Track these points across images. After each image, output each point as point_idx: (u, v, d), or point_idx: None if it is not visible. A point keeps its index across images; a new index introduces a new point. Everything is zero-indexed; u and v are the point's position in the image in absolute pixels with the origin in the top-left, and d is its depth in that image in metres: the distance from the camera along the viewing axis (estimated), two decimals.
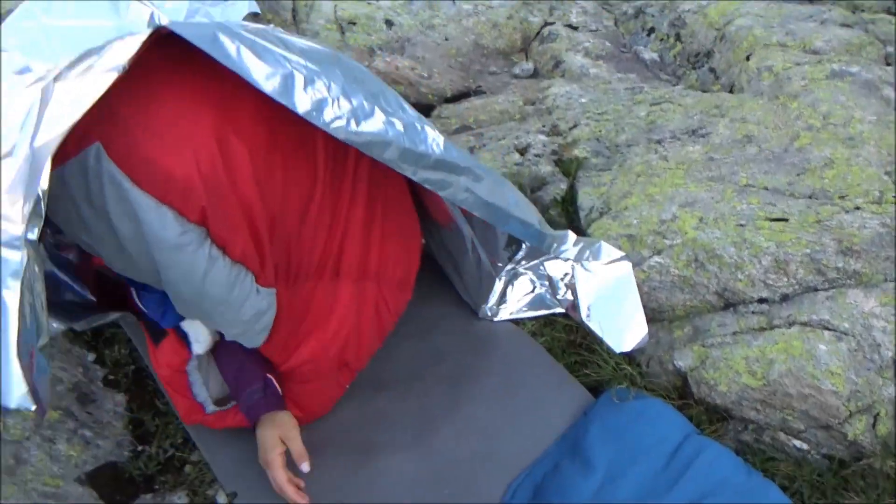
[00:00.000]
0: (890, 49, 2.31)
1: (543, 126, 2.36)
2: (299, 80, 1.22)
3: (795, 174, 1.92)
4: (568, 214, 2.07)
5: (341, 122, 1.26)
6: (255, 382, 1.57)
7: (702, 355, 1.74)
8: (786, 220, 1.82)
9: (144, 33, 1.15)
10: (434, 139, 1.42)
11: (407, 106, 1.46)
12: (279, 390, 1.59)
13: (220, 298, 1.36)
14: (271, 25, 2.34)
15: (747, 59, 2.36)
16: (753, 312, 1.79)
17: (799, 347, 1.66)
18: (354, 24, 2.89)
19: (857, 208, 1.81)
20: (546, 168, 2.17)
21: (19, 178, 1.10)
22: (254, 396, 1.54)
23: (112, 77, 1.09)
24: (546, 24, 2.90)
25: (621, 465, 1.60)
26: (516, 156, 2.23)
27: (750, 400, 1.68)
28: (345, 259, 1.58)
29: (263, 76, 1.18)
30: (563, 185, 2.12)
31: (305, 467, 1.53)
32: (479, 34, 2.91)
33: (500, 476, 1.65)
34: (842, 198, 1.84)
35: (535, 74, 2.80)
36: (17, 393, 1.10)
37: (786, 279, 1.78)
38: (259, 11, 2.70)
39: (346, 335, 1.65)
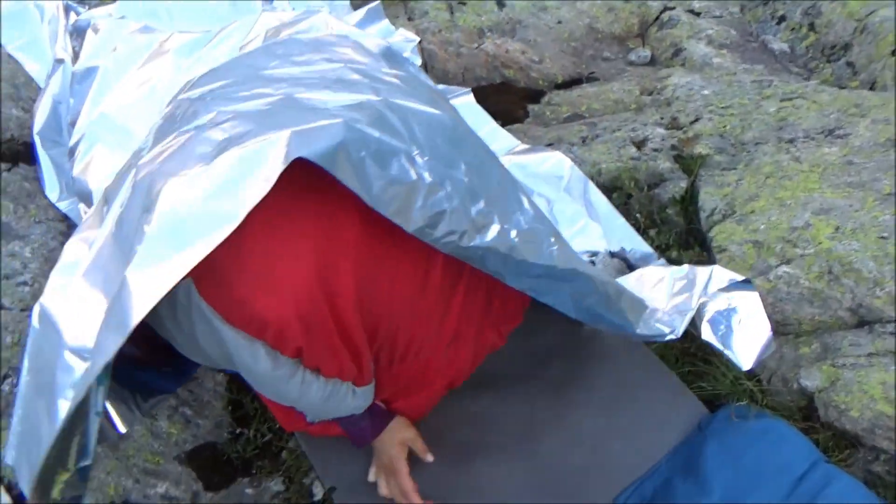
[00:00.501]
0: None
1: (662, 118, 2.24)
2: (421, 192, 1.13)
3: None
4: (687, 215, 1.96)
5: (453, 238, 1.18)
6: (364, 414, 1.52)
7: (832, 376, 1.62)
8: None
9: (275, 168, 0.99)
10: (552, 244, 1.34)
11: (527, 202, 1.37)
12: (383, 407, 1.54)
13: (315, 407, 1.33)
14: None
15: (892, 53, 2.18)
16: (891, 333, 1.65)
17: None
18: (464, 4, 2.81)
19: None
20: (665, 164, 2.06)
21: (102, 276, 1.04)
22: (360, 423, 1.49)
23: (239, 214, 0.96)
24: (666, 8, 2.75)
25: (740, 489, 1.49)
26: (633, 149, 2.11)
27: (884, 428, 1.55)
28: (464, 325, 1.51)
29: (386, 198, 1.09)
30: (683, 184, 2.00)
31: (429, 458, 1.54)
32: (593, 17, 2.79)
33: (606, 489, 1.57)
34: None
35: (652, 62, 2.66)
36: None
37: None
38: None
39: (458, 380, 1.61)
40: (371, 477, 1.57)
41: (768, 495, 1.47)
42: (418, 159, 1.14)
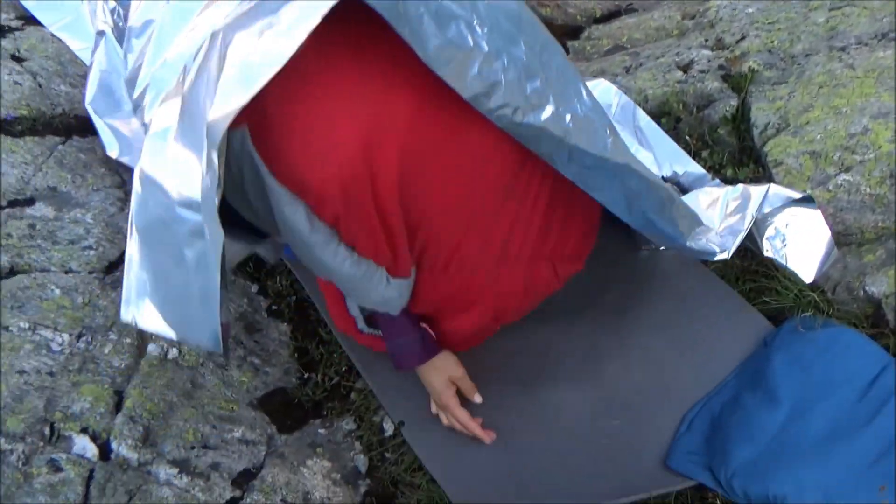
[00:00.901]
0: None
1: (706, 41, 2.19)
2: (477, 59, 1.13)
3: None
4: (739, 133, 1.92)
5: (507, 111, 1.18)
6: (411, 333, 1.53)
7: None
8: None
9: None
10: (607, 136, 1.33)
11: (585, 93, 1.35)
12: (434, 336, 1.56)
13: (347, 283, 1.35)
14: None
15: None
16: None
17: None
18: None
19: None
20: (713, 84, 2.02)
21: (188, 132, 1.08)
22: (411, 346, 1.52)
23: (291, 49, 1.00)
24: None
25: (810, 398, 1.48)
26: (678, 73, 2.08)
27: None
28: (514, 244, 1.50)
29: (442, 59, 1.10)
30: (734, 102, 1.96)
31: (478, 399, 1.56)
32: None
33: (674, 407, 1.57)
34: None
35: None
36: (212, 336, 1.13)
37: None
38: None
39: (507, 308, 1.60)
40: (433, 410, 1.60)
41: (839, 401, 1.45)
42: (478, 28, 1.14)
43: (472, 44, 1.12)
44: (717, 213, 1.72)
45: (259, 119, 1.11)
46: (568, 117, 1.25)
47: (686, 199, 1.79)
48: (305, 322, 1.86)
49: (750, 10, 2.23)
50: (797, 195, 1.68)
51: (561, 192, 1.48)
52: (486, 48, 1.14)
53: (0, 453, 1.36)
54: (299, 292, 1.89)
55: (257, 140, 1.15)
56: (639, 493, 1.47)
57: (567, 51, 2.49)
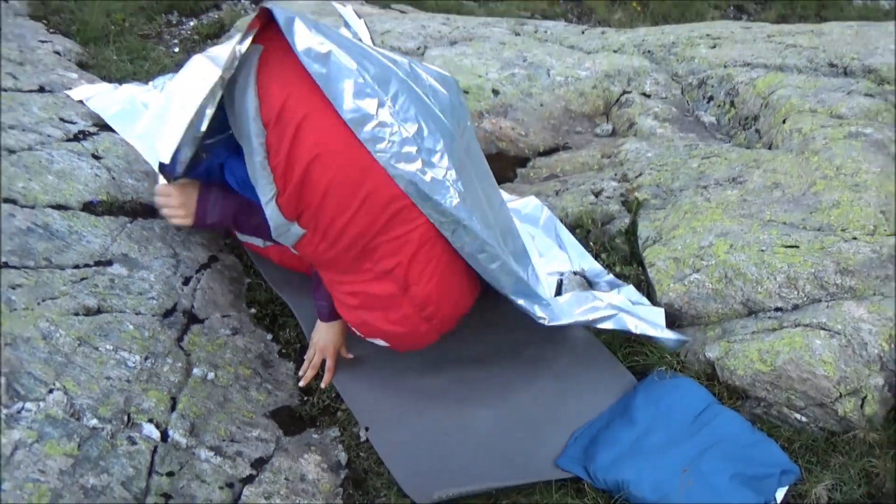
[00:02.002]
0: None
1: (615, 174, 2.91)
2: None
3: (809, 212, 2.40)
4: (629, 242, 2.60)
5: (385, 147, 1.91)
6: (326, 299, 2.26)
7: (726, 348, 2.23)
8: (797, 247, 2.30)
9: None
10: (453, 193, 1.98)
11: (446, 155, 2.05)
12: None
13: (253, 173, 1.97)
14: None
15: (784, 122, 2.85)
16: (770, 317, 2.27)
17: (800, 342, 2.13)
18: (468, 92, 3.52)
19: (854, 238, 2.27)
20: (615, 207, 2.71)
21: None
22: (326, 307, 2.28)
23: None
24: (624, 92, 3.45)
25: (657, 421, 2.10)
26: (591, 197, 2.78)
27: (762, 382, 2.15)
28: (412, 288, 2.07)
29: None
30: (627, 220, 2.65)
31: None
32: (568, 101, 3.49)
33: (566, 428, 2.18)
34: (843, 230, 2.31)
35: (613, 133, 3.35)
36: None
37: (796, 292, 2.26)
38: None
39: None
40: (311, 350, 2.37)
41: (674, 423, 2.08)
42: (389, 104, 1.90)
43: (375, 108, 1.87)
44: (573, 299, 2.37)
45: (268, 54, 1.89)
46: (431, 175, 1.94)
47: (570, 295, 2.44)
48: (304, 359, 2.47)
49: (649, 155, 2.96)
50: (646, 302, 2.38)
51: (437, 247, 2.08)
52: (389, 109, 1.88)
53: (96, 430, 1.95)
54: (302, 341, 2.51)
55: (261, 63, 1.89)
56: (538, 478, 2.06)
57: (516, 175, 3.19)
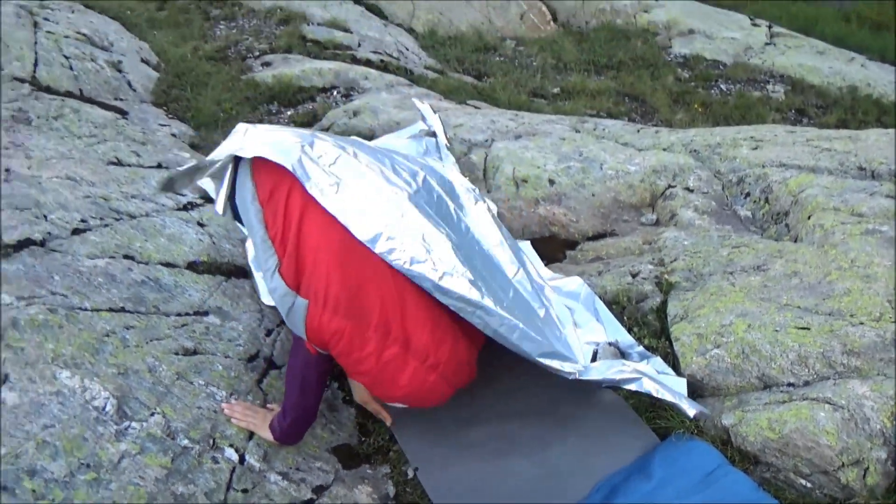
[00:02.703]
0: None
1: (653, 259, 3.17)
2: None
3: (822, 299, 2.62)
4: (660, 319, 2.85)
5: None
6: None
7: (740, 417, 2.44)
8: (809, 328, 2.51)
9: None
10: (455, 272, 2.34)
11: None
12: None
13: (258, 249, 2.31)
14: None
15: (808, 218, 3.09)
16: (782, 391, 2.47)
17: (806, 414, 2.33)
18: (526, 181, 3.87)
19: (861, 323, 2.48)
20: (649, 287, 2.97)
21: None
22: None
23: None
24: (669, 186, 3.74)
25: (671, 477, 2.31)
26: (629, 278, 3.05)
27: (770, 448, 2.35)
28: (413, 341, 2.30)
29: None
30: (659, 299, 2.91)
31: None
32: (618, 192, 3.79)
33: (590, 480, 2.40)
34: (852, 316, 2.52)
35: (657, 223, 3.62)
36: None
37: (806, 370, 2.47)
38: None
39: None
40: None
41: (687, 480, 2.29)
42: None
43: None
44: (603, 364, 2.62)
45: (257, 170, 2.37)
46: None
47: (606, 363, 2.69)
48: (368, 412, 2.78)
49: (685, 242, 3.22)
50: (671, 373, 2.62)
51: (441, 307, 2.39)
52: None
53: (187, 448, 2.29)
54: None
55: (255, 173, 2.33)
56: None
57: (565, 257, 3.49)
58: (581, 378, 2.48)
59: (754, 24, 9.41)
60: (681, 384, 2.57)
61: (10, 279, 2.55)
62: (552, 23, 8.27)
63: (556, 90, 6.46)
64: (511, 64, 7.00)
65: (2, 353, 2.29)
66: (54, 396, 2.24)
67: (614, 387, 2.61)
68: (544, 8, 8.31)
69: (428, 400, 2.45)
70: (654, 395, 2.48)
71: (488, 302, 2.32)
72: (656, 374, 2.57)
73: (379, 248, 2.28)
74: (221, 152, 2.46)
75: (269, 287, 2.31)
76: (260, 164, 2.38)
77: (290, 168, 2.30)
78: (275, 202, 2.33)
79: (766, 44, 8.45)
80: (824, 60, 8.13)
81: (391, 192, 2.41)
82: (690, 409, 2.50)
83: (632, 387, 2.51)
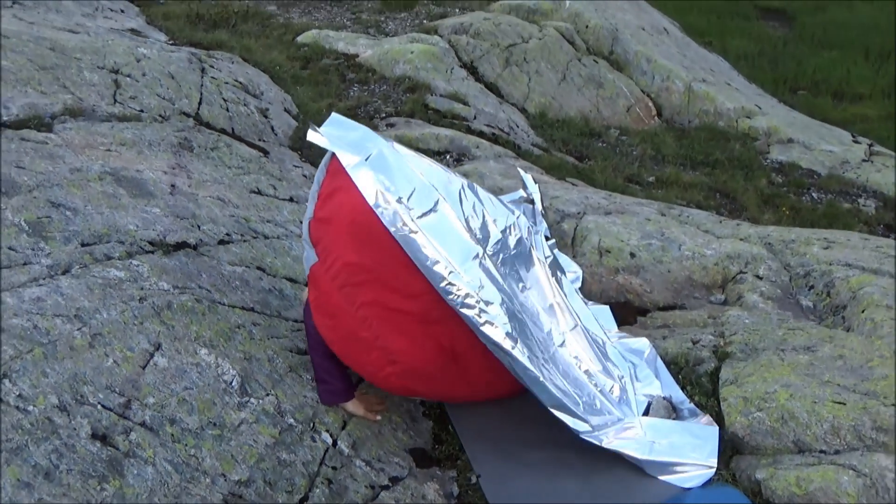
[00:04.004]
0: None
1: (714, 331, 3.45)
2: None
3: (861, 380, 2.85)
4: (712, 382, 3.12)
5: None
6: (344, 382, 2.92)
7: (772, 473, 2.67)
8: (844, 403, 2.75)
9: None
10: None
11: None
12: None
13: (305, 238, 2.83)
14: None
15: (862, 311, 3.31)
16: (814, 456, 2.70)
17: (831, 476, 2.55)
18: (609, 252, 4.22)
19: (893, 405, 2.70)
20: (706, 354, 3.26)
21: None
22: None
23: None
24: (741, 272, 4.01)
25: None
26: (690, 344, 3.34)
27: (796, 503, 2.58)
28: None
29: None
30: (713, 365, 3.18)
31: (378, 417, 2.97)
32: (692, 271, 4.09)
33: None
34: (885, 398, 2.74)
35: (724, 303, 3.90)
36: None
37: (838, 440, 2.70)
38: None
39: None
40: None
41: None
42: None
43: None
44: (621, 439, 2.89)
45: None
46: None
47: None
48: (446, 422, 3.14)
49: (746, 321, 3.49)
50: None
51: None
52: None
53: (292, 426, 2.70)
54: (440, 407, 3.19)
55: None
56: None
57: (636, 321, 3.80)
58: (584, 438, 2.80)
59: (855, 141, 9.54)
60: (712, 432, 2.83)
61: (168, 270, 3.08)
62: (656, 117, 8.67)
63: (651, 179, 6.80)
64: (612, 150, 7.41)
65: (2, 347, 2.78)
66: (194, 367, 2.70)
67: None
68: (650, 103, 8.73)
69: (428, 376, 2.84)
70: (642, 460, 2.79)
71: (518, 353, 2.67)
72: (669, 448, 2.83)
73: (437, 283, 2.63)
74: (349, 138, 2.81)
75: (302, 229, 2.84)
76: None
77: (371, 202, 2.63)
78: (335, 177, 2.73)
79: (864, 160, 8.58)
80: None
81: (469, 243, 2.73)
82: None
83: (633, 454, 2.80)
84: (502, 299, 2.69)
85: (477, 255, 2.71)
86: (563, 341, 2.90)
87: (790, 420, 2.78)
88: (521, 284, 2.88)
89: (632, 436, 2.82)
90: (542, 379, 2.72)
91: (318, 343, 2.83)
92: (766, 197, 7.01)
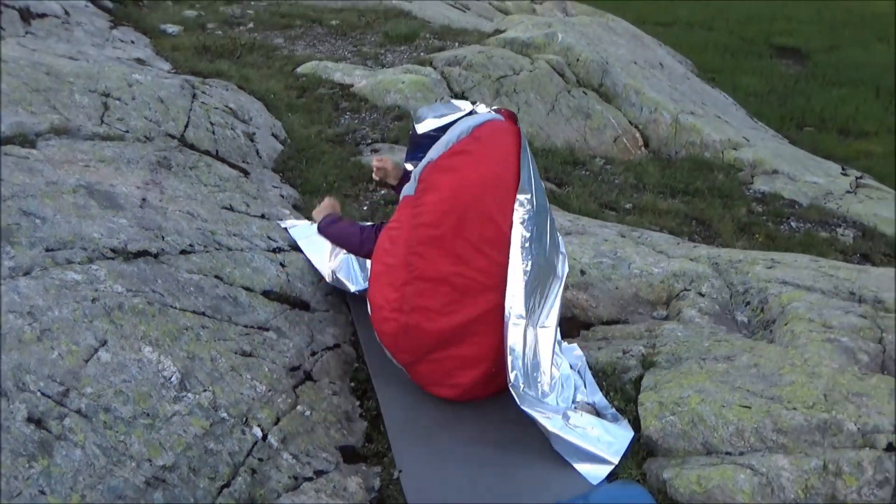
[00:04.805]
0: (884, 335, 3.22)
1: (647, 343, 3.55)
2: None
3: (768, 386, 2.93)
4: (636, 389, 3.21)
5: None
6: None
7: (677, 472, 2.76)
8: (749, 407, 2.84)
9: None
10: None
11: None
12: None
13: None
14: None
15: (786, 324, 3.40)
16: (718, 457, 2.79)
17: (729, 474, 2.64)
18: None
19: (794, 408, 2.78)
20: (633, 363, 3.35)
21: None
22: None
23: None
24: (685, 289, 4.11)
25: None
26: (620, 354, 3.44)
27: (696, 501, 2.66)
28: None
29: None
30: (638, 373, 3.28)
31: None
32: (639, 288, 4.19)
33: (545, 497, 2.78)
34: (789, 402, 2.82)
35: (666, 318, 3.99)
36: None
37: (742, 442, 2.78)
38: None
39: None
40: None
41: None
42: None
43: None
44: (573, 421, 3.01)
45: None
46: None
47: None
48: (377, 422, 3.25)
49: (678, 334, 3.58)
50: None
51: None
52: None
53: (224, 419, 2.84)
54: (377, 409, 3.30)
55: None
56: None
57: (579, 335, 3.91)
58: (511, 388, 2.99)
59: (844, 174, 9.59)
60: (625, 436, 2.93)
61: (125, 275, 3.25)
62: (643, 148, 8.79)
63: (628, 205, 6.91)
64: (594, 179, 7.53)
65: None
66: (136, 362, 2.86)
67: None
68: (638, 134, 8.87)
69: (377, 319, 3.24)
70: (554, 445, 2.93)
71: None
72: (588, 437, 2.94)
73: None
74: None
75: (419, 165, 3.19)
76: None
77: None
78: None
79: (848, 191, 8.62)
80: None
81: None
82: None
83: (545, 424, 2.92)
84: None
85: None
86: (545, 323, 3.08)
87: (699, 423, 2.87)
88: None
89: (549, 413, 2.94)
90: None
91: (363, 239, 3.62)
92: (743, 225, 7.08)
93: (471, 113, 3.41)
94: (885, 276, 3.93)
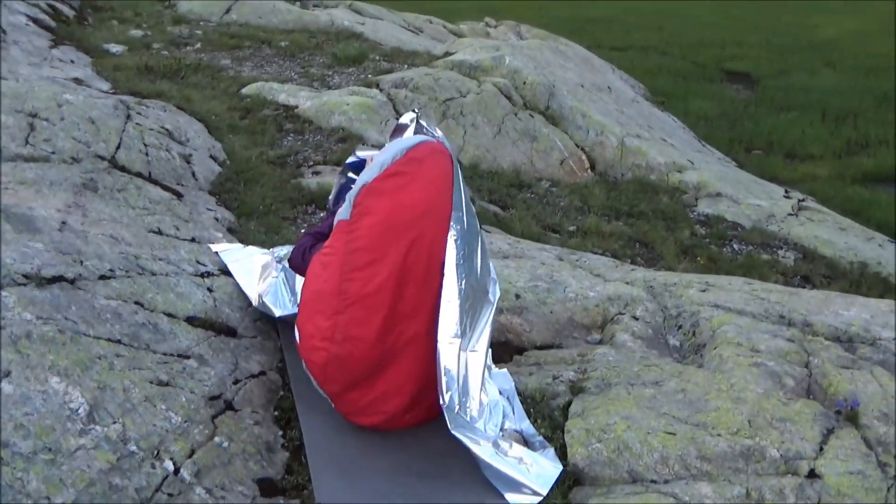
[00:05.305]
0: (810, 358, 3.22)
1: (578, 369, 3.51)
2: None
3: (694, 413, 2.90)
4: (564, 416, 3.16)
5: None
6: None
7: (602, 502, 2.71)
8: (674, 434, 2.80)
9: None
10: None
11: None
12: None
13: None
14: None
15: (715, 348, 3.39)
16: (643, 485, 2.74)
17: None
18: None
19: (719, 435, 2.75)
20: (562, 388, 3.30)
21: None
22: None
23: None
24: (619, 313, 4.09)
25: None
26: (549, 379, 3.39)
27: None
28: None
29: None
30: (567, 399, 3.23)
31: None
32: (574, 312, 4.16)
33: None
34: (713, 428, 2.79)
35: (600, 342, 3.96)
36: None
37: (667, 469, 2.74)
38: None
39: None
40: None
41: None
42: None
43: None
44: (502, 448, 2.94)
45: None
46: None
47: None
48: (299, 453, 3.14)
49: (610, 359, 3.55)
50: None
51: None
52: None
53: (133, 453, 2.71)
54: (299, 439, 3.20)
55: None
56: None
57: (511, 359, 3.85)
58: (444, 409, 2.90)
59: (787, 196, 9.75)
60: (554, 468, 2.86)
61: (36, 302, 3.11)
62: (589, 170, 8.84)
63: (572, 228, 6.92)
64: (539, 201, 7.53)
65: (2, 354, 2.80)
66: (40, 394, 2.72)
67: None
68: (584, 157, 8.91)
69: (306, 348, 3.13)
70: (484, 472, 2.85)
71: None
72: (518, 467, 2.86)
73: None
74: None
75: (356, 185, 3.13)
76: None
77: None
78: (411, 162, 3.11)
79: (790, 214, 8.75)
80: (842, 236, 8.36)
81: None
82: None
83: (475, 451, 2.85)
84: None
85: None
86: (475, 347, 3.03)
87: (625, 451, 2.82)
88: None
89: (480, 439, 2.87)
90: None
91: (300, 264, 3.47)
92: (686, 247, 7.13)
93: (417, 121, 3.44)
94: (815, 299, 3.95)
